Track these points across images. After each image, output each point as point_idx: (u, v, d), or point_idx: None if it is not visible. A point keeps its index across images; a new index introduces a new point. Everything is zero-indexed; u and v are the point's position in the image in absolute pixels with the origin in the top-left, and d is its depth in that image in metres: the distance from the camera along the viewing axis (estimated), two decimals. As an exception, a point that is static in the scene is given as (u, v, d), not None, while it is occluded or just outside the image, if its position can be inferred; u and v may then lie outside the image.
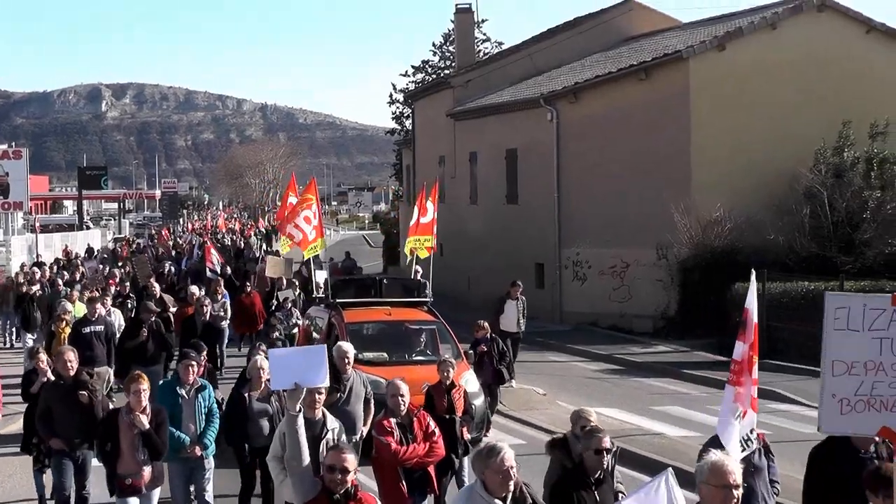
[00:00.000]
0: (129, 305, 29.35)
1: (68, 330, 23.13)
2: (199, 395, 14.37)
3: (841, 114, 34.62)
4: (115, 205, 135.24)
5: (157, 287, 29.40)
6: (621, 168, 37.78)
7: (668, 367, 30.49)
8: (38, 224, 66.06)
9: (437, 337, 21.49)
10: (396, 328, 21.95)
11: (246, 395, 14.58)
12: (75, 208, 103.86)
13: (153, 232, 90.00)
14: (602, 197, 38.32)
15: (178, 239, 69.38)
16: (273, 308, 31.07)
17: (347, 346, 15.34)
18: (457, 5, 57.86)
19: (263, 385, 14.46)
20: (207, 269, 36.85)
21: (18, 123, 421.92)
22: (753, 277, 10.81)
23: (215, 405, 14.68)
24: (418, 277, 29.76)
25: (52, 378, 15.21)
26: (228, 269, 37.76)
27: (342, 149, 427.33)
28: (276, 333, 25.48)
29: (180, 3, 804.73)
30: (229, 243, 67.40)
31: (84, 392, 14.51)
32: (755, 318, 10.47)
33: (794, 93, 35.97)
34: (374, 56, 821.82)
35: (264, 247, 65.52)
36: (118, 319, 25.45)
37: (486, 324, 23.21)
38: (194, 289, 28.29)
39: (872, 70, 36.77)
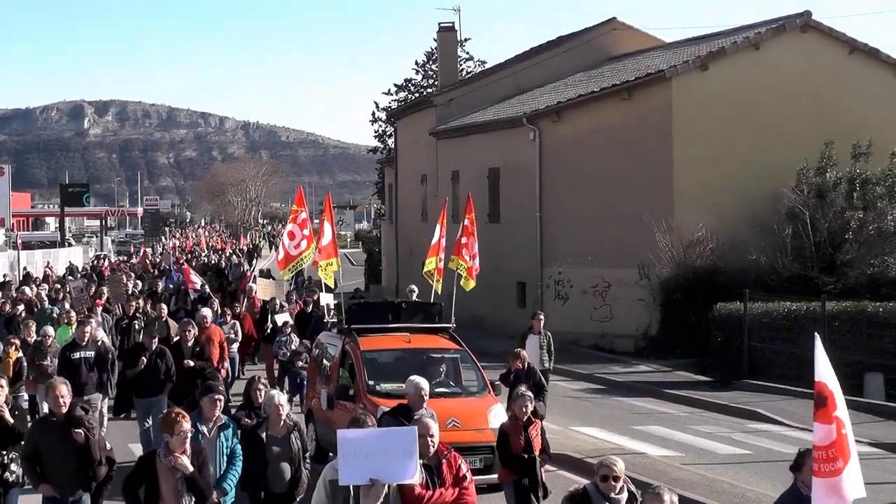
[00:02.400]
0: (137, 327, 26.24)
1: (16, 356, 20.94)
2: (221, 434, 12.86)
3: (823, 134, 34.69)
4: (98, 222, 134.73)
5: (164, 309, 27.54)
6: (604, 187, 37.76)
7: (649, 386, 30.42)
8: (20, 241, 65.93)
9: (459, 366, 19.76)
10: (417, 357, 19.78)
11: (263, 434, 13.07)
12: (57, 225, 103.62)
13: (132, 251, 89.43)
14: (584, 216, 38.28)
15: (159, 257, 68.62)
16: (268, 332, 29.47)
17: (421, 380, 14.32)
18: (440, 24, 58.09)
19: (283, 423, 13.05)
20: (190, 290, 34.99)
21: (1, 140, 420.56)
22: (819, 342, 8.67)
23: (238, 446, 13.01)
24: (413, 297, 29.41)
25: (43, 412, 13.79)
26: (207, 288, 35.99)
27: (324, 167, 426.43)
28: (301, 362, 24.82)
29: (163, 22, 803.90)
30: (212, 262, 66.82)
31: (79, 430, 12.64)
32: (834, 387, 8.54)
33: (777, 113, 36.05)
34: (356, 74, 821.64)
35: (246, 265, 65.20)
36: (101, 337, 22.61)
37: (524, 353, 21.18)
38: (207, 312, 24.92)
39: (855, 91, 36.90)
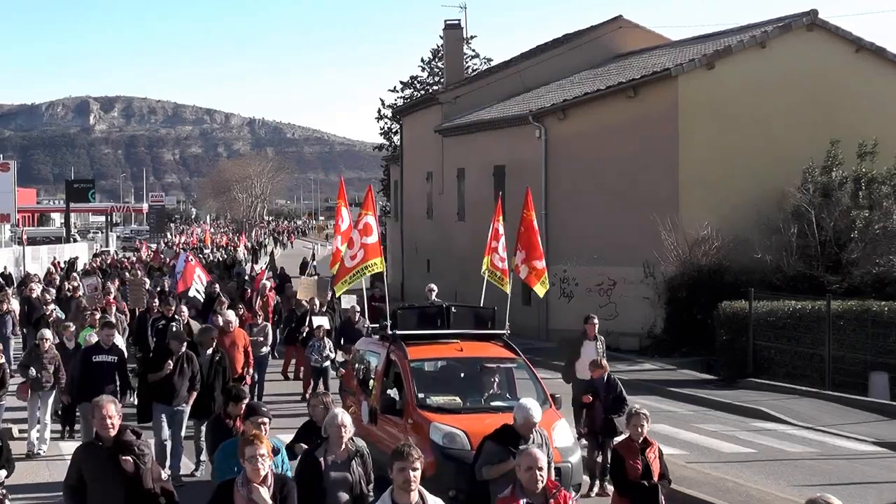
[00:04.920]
0: (174, 329, 23.49)
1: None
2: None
3: (829, 133, 34.68)
4: (103, 218, 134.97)
5: (185, 312, 26.35)
6: (609, 186, 37.75)
7: (654, 385, 30.39)
8: (25, 236, 65.94)
9: (513, 377, 18.12)
10: (470, 367, 18.19)
11: (321, 459, 11.40)
12: (63, 221, 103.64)
13: (137, 246, 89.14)
14: (589, 214, 38.25)
15: (162, 255, 67.92)
16: (303, 336, 28.45)
17: (533, 403, 12.75)
18: (446, 21, 58.02)
19: (344, 446, 11.45)
20: (192, 290, 32.16)
21: (6, 136, 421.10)
22: None
23: (290, 472, 11.61)
24: (433, 298, 28.27)
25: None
26: (217, 287, 34.06)
27: (330, 164, 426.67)
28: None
29: (169, 18, 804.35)
30: (218, 259, 66.64)
31: (128, 458, 10.64)
32: None
33: (783, 112, 36.03)
34: (362, 71, 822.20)
35: (251, 264, 65.11)
36: (121, 346, 22.07)
37: (605, 362, 18.98)
38: (231, 315, 23.45)
39: (861, 89, 36.87)
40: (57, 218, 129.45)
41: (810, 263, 33.04)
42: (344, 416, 11.49)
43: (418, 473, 9.05)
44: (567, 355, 22.82)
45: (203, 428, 18.06)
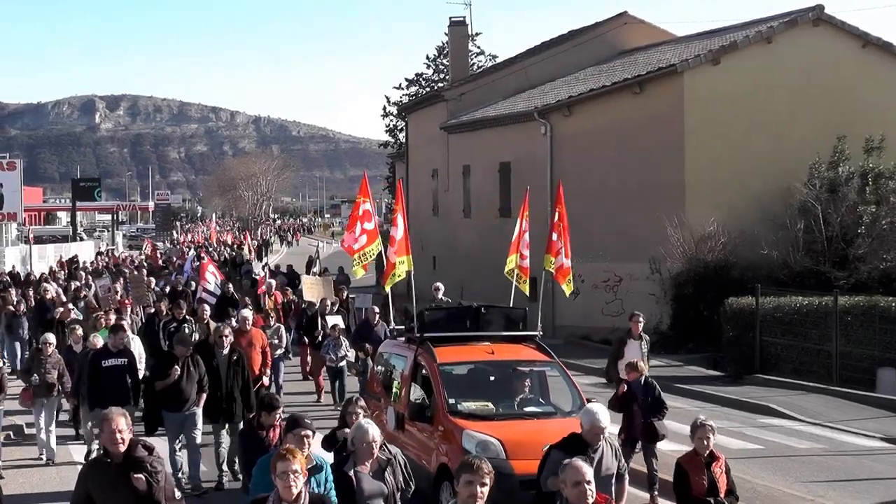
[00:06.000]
0: (187, 331, 23.12)
1: None
2: (312, 479, 10.50)
3: (836, 128, 34.62)
4: (109, 216, 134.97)
5: (207, 311, 25.91)
6: (615, 182, 37.71)
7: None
8: (31, 235, 65.91)
9: (546, 380, 17.31)
10: (502, 370, 17.22)
11: (352, 473, 10.71)
12: (69, 220, 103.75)
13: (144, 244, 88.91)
14: (595, 210, 38.15)
15: (161, 254, 67.12)
16: (318, 338, 27.45)
17: (601, 409, 11.81)
18: (451, 18, 58.10)
19: (375, 457, 10.81)
20: (201, 290, 31.39)
21: (13, 135, 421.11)
22: None
23: (333, 491, 10.73)
24: (440, 296, 27.89)
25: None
26: (231, 287, 33.05)
27: (335, 161, 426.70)
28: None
29: (174, 17, 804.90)
30: (225, 257, 66.37)
31: (140, 475, 9.72)
32: None
33: (789, 107, 35.98)
34: (367, 69, 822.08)
35: (258, 262, 65.06)
36: (137, 348, 21.57)
37: (642, 364, 18.26)
38: (247, 313, 22.78)
39: (868, 84, 36.79)
40: (63, 217, 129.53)
41: (817, 259, 32.97)
42: (374, 430, 10.80)
43: (486, 490, 8.33)
44: (611, 353, 22.31)
45: (223, 433, 17.80)
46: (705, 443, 12.10)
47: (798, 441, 21.64)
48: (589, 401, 15.35)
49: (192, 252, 54.80)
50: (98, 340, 19.93)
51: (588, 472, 8.79)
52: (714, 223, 34.16)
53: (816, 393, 27.36)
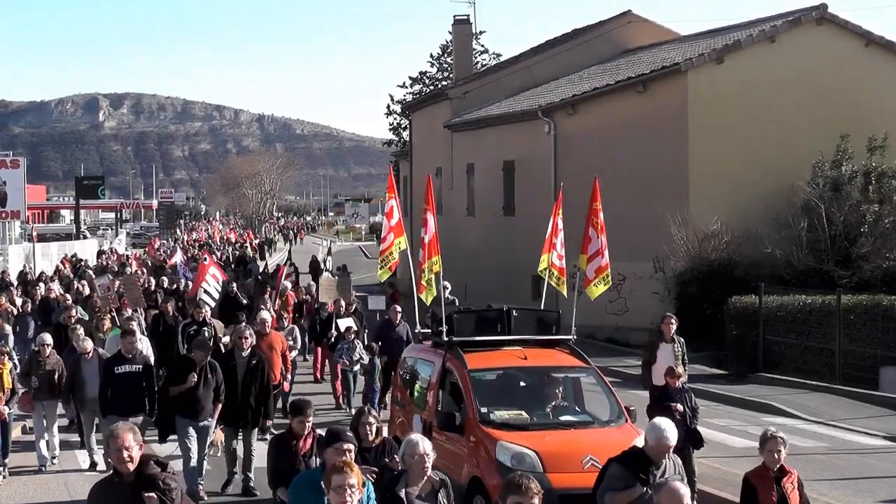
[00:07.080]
0: (207, 335, 22.03)
1: (8, 366, 18.69)
2: None
3: (839, 127, 34.58)
4: (112, 215, 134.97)
5: (209, 311, 25.12)
6: (618, 180, 37.57)
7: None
8: (35, 233, 66.00)
9: (580, 387, 16.65)
10: (536, 377, 16.46)
11: (402, 493, 9.87)
12: (72, 218, 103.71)
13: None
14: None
15: (158, 251, 66.18)
16: (331, 340, 26.83)
17: (668, 424, 10.90)
18: (455, 17, 58.07)
19: (428, 477, 10.02)
20: (202, 292, 29.38)
21: (16, 133, 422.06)
22: None
23: None
24: (447, 294, 26.27)
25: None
26: (234, 287, 31.72)
27: (339, 160, 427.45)
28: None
29: (177, 15, 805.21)
30: (228, 256, 66.13)
31: (152, 494, 8.88)
32: None
33: (793, 106, 35.95)
34: (371, 67, 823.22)
35: (258, 260, 64.96)
36: (146, 349, 20.86)
37: (681, 369, 17.75)
38: (266, 315, 22.00)
39: (871, 83, 36.77)
40: (67, 215, 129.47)
41: (820, 258, 32.98)
42: (425, 444, 10.03)
43: None
44: (643, 359, 21.33)
45: (238, 438, 17.40)
46: (776, 456, 11.14)
47: (801, 439, 21.65)
48: (629, 409, 15.63)
49: (178, 254, 53.41)
50: (87, 344, 19.37)
51: (687, 496, 8.28)
52: (717, 222, 34.16)
53: (819, 391, 27.38)
